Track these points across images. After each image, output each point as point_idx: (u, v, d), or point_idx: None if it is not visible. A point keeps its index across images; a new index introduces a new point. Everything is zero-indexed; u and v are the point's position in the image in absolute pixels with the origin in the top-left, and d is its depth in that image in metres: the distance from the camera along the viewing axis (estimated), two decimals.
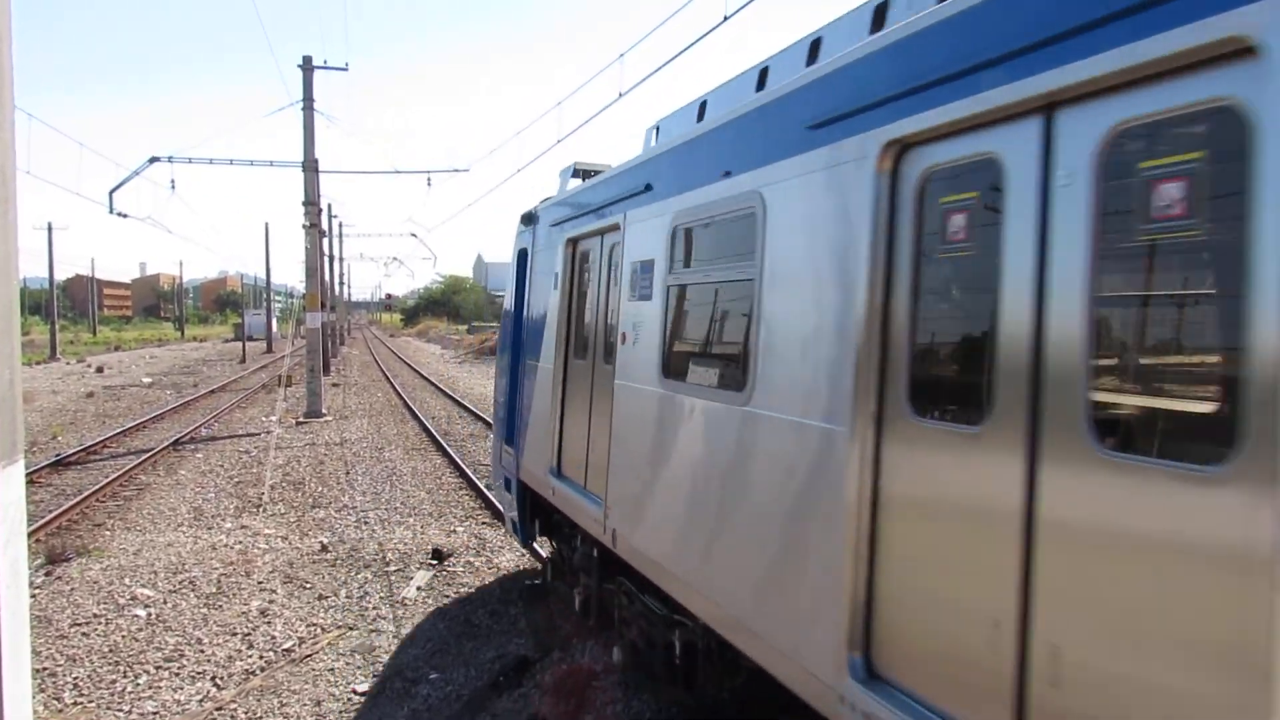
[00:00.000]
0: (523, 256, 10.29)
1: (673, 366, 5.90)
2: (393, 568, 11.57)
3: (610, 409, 6.85)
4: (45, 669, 8.35)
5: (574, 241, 8.38)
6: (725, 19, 11.18)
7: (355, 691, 7.98)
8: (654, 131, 8.03)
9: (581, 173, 9.31)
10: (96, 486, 15.92)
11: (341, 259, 75.65)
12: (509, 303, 10.82)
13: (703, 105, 6.98)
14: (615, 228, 7.14)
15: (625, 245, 6.85)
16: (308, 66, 27.90)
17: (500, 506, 11.68)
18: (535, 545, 11.10)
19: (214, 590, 10.64)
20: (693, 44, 11.97)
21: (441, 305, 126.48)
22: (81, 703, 7.76)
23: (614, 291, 7.22)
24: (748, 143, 5.13)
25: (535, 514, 9.72)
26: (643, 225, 6.54)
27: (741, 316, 5.06)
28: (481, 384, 38.67)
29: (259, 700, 7.81)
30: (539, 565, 11.06)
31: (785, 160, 4.65)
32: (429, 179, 33.23)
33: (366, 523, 13.96)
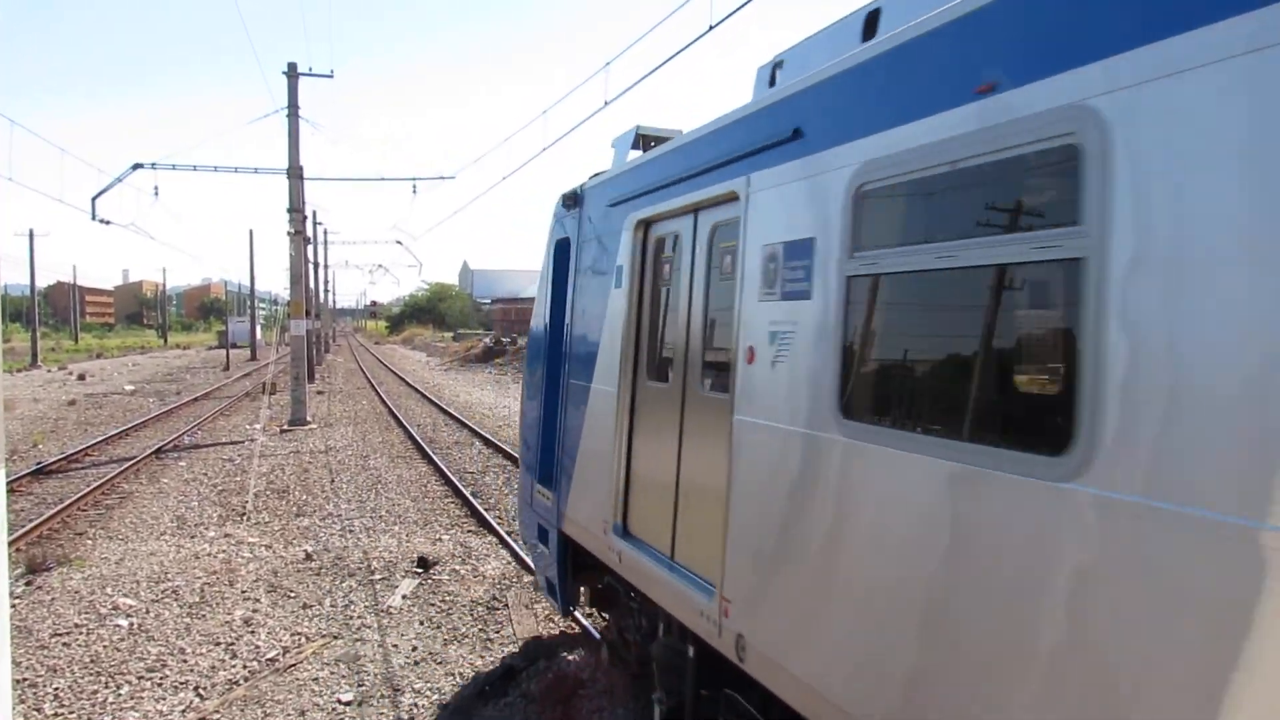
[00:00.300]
0: (562, 248, 8.20)
1: (863, 401, 3.86)
2: (378, 576, 11.52)
3: (726, 458, 4.82)
4: (25, 679, 8.26)
5: (647, 225, 6.39)
6: (710, 28, 11.25)
7: (340, 701, 7.93)
8: (771, 71, 5.80)
9: (645, 139, 7.40)
10: (78, 495, 15.78)
11: (326, 266, 75.55)
12: (542, 306, 8.64)
13: (872, 15, 4.81)
14: (728, 199, 5.15)
15: (750, 221, 4.80)
16: (293, 73, 27.90)
17: (530, 561, 9.67)
18: (579, 614, 9.04)
19: (197, 599, 10.55)
20: (678, 53, 12.02)
21: (427, 312, 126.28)
22: (62, 714, 7.68)
23: (723, 288, 5.25)
24: (1048, 31, 3.09)
25: (579, 573, 7.83)
26: (786, 191, 4.52)
27: (1051, 324, 3.10)
28: (467, 391, 38.63)
29: (242, 710, 7.75)
30: (573, 626, 9.27)
31: (1174, 39, 2.59)
32: (415, 186, 33.28)
33: (351, 531, 13.89)
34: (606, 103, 16.00)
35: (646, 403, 6.25)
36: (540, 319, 8.69)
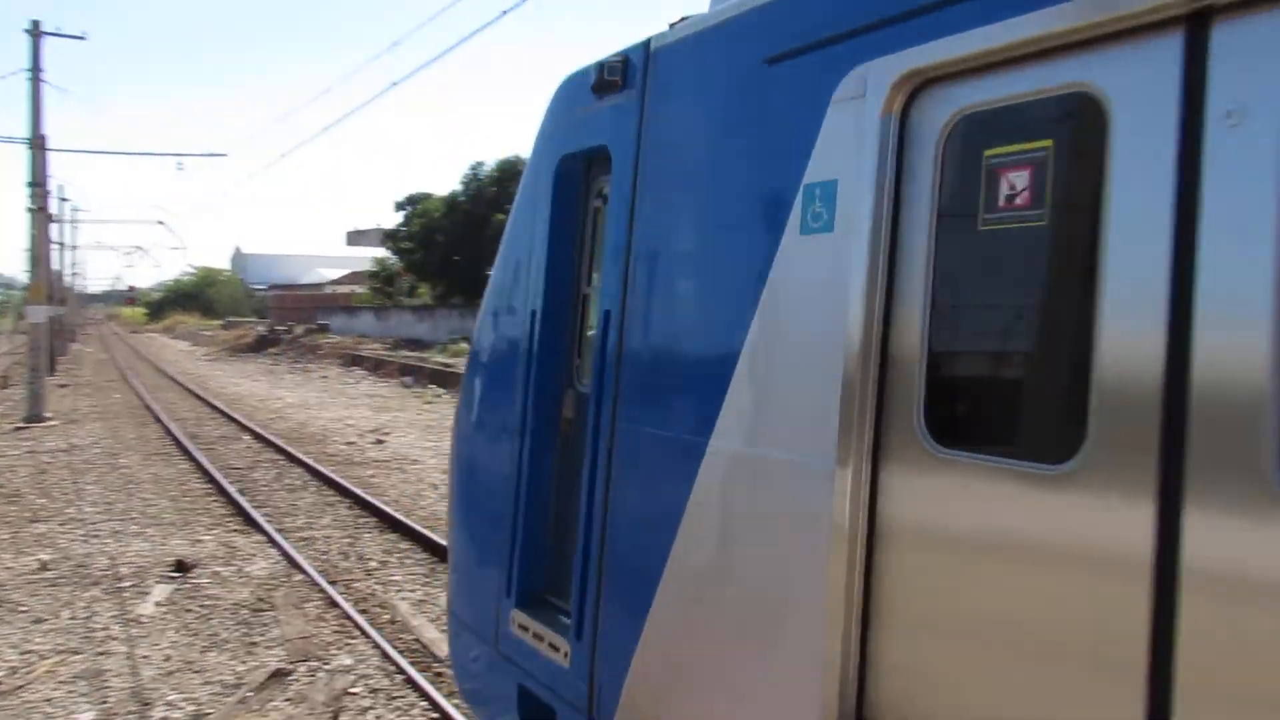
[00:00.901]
0: (573, 171, 4.45)
1: None
2: (127, 583, 10.63)
3: None
4: None
5: (917, 88, 2.59)
6: (503, 14, 11.24)
7: None
8: None
9: None
10: None
11: (75, 247, 69.11)
12: (515, 272, 4.82)
13: None
14: None
15: None
16: (36, 31, 25.45)
17: None
18: None
19: None
20: (470, 36, 11.91)
21: (193, 299, 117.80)
22: None
23: None
24: None
25: None
26: None
27: None
28: (235, 382, 36.63)
29: None
30: None
31: None
32: (180, 163, 31.38)
33: (97, 536, 12.74)
34: (394, 84, 15.71)
35: (931, 500, 2.52)
36: (514, 298, 4.79)
